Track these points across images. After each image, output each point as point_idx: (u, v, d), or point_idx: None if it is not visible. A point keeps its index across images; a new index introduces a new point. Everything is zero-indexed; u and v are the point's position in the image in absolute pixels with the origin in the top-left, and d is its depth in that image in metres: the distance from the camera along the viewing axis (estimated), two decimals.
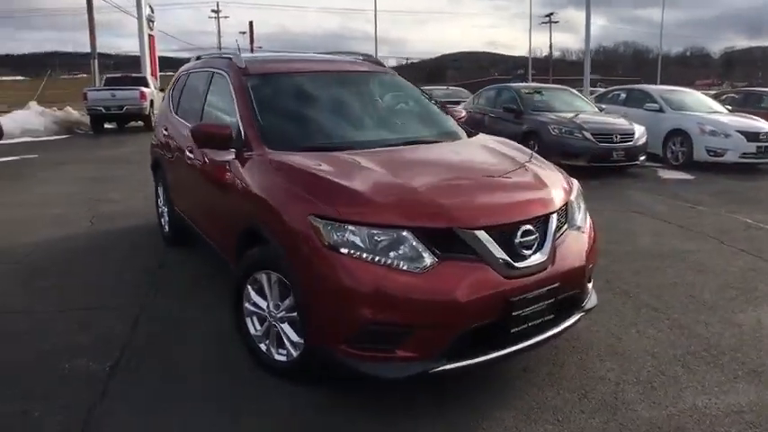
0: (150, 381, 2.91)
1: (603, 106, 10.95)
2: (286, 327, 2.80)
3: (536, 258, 2.61)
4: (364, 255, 2.41)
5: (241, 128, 3.34)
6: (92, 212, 6.62)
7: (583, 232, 2.99)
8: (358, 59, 4.47)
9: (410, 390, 2.74)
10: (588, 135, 8.76)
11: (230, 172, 3.30)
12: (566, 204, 2.95)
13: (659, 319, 3.62)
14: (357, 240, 2.42)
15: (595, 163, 8.79)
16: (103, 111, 17.80)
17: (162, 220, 5.36)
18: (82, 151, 12.97)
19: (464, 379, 2.82)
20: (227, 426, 2.54)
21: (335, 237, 2.44)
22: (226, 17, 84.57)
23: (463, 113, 4.29)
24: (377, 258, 2.40)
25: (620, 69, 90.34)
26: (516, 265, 2.53)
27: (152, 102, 19.01)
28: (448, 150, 3.45)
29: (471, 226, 2.49)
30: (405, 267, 2.39)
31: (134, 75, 21.02)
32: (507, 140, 3.77)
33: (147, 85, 19.52)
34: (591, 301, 3.07)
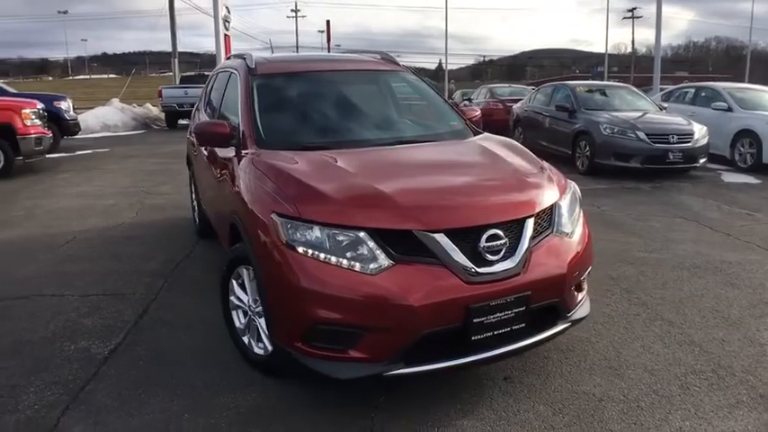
0: (142, 366, 3.04)
1: (666, 105, 10.28)
2: (262, 321, 2.83)
3: (504, 265, 2.49)
4: (320, 254, 2.39)
5: (240, 126, 3.42)
6: (140, 204, 6.99)
7: (570, 238, 2.81)
8: (376, 58, 4.45)
9: (369, 388, 2.71)
10: (642, 135, 8.25)
11: (228, 169, 3.38)
12: (551, 209, 2.80)
13: (671, 333, 3.37)
14: (314, 239, 2.42)
15: (650, 165, 8.28)
16: (177, 107, 18.74)
17: (194, 213, 5.58)
18: (150, 146, 13.71)
19: (436, 382, 2.76)
20: (198, 412, 2.61)
21: (293, 235, 2.45)
22: (303, 16, 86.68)
23: (477, 113, 4.16)
24: (332, 258, 2.38)
25: (711, 66, 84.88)
26: (479, 270, 2.42)
27: None
28: (436, 150, 3.36)
29: (430, 228, 2.41)
30: (358, 268, 2.35)
31: (207, 73, 21.95)
32: (510, 141, 3.61)
33: None
34: (580, 311, 2.89)
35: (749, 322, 3.53)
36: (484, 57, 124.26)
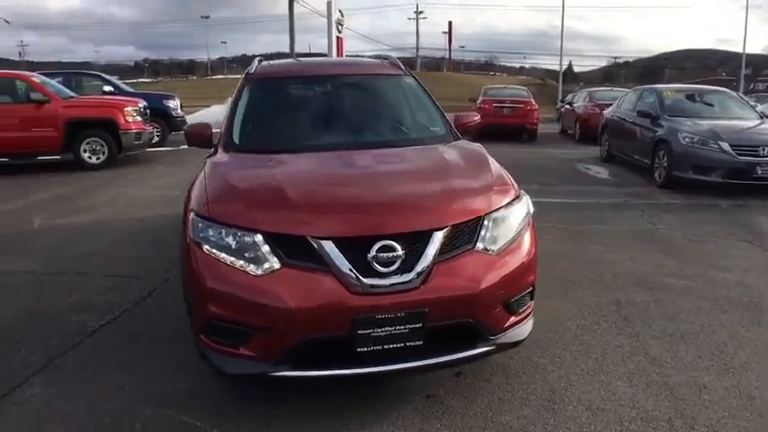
0: (116, 342, 3.35)
1: None
2: None
3: (398, 278, 2.37)
4: (220, 253, 2.47)
5: (222, 129, 3.57)
6: None
7: (496, 255, 2.59)
8: (384, 62, 4.42)
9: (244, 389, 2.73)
10: (726, 146, 7.31)
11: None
12: (476, 223, 2.60)
13: (646, 372, 2.99)
14: (216, 239, 2.49)
15: (733, 180, 7.32)
16: None
17: None
18: None
19: (353, 390, 2.72)
20: (138, 390, 2.82)
21: (202, 233, 2.54)
22: (425, 18, 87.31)
23: (474, 118, 3.99)
24: (229, 258, 2.44)
25: None
26: (365, 281, 2.34)
27: None
28: (387, 157, 3.26)
29: (320, 235, 2.38)
30: (250, 270, 2.40)
31: None
32: (475, 149, 3.38)
33: None
34: (511, 334, 2.68)
35: (752, 369, 3.03)
36: (616, 58, 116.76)
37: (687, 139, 7.66)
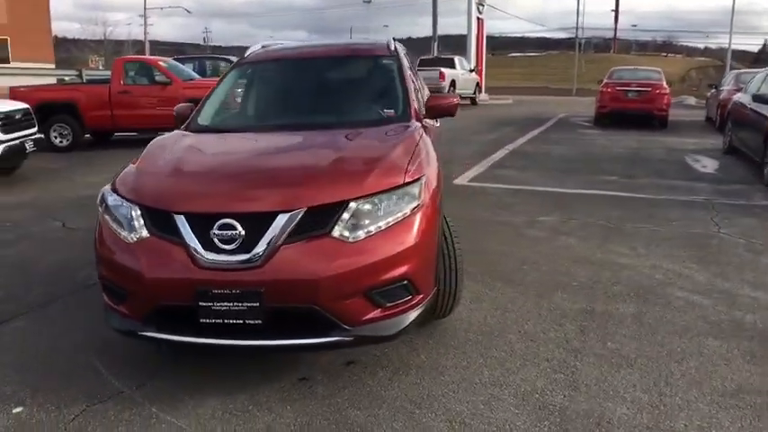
0: (93, 302, 3.59)
1: None
2: None
3: (237, 256, 2.39)
4: (112, 222, 2.69)
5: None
6: None
7: (355, 243, 2.41)
8: (375, 45, 4.25)
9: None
10: None
11: None
12: (339, 207, 2.44)
13: (552, 395, 2.55)
14: (111, 208, 2.73)
15: None
16: None
17: None
18: None
19: (244, 363, 2.78)
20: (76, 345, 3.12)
21: (103, 203, 2.79)
22: None
23: (450, 100, 3.67)
24: (115, 227, 2.66)
25: None
26: (206, 256, 2.40)
27: (453, 82, 20.29)
28: (304, 138, 3.20)
29: (176, 210, 2.51)
30: (123, 237, 2.59)
31: (444, 56, 22.60)
32: (405, 134, 3.10)
33: (452, 67, 20.88)
34: (374, 328, 2.47)
35: (691, 414, 2.45)
36: None
37: None
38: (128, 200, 2.67)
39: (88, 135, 10.99)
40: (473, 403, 2.49)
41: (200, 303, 2.39)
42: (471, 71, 23.23)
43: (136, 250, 2.54)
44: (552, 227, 5.11)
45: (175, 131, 3.51)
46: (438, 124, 4.53)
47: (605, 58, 58.33)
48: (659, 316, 3.30)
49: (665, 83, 13.73)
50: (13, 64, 19.43)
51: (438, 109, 3.62)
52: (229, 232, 2.40)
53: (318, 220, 2.43)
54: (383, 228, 2.48)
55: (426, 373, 2.73)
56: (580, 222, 5.24)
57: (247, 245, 2.39)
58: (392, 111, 3.49)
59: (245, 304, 2.37)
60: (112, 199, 2.76)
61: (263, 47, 4.33)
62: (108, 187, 2.89)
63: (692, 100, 26.17)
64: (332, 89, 3.82)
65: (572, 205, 5.87)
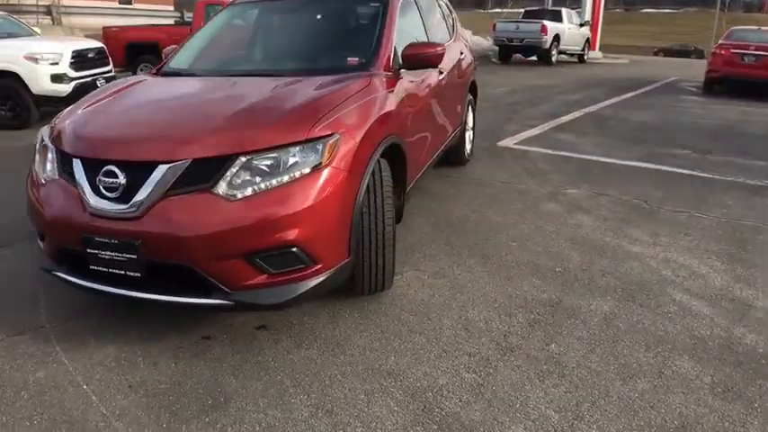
0: None
1: None
2: None
3: (116, 205, 2.24)
4: (36, 163, 2.67)
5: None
6: None
7: (237, 201, 2.16)
8: None
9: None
10: None
11: None
12: (226, 161, 2.19)
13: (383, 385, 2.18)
14: (39, 150, 2.69)
15: None
16: (506, 42, 18.47)
17: None
18: None
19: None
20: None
21: (37, 145, 2.75)
22: None
23: (430, 50, 3.17)
24: (35, 167, 2.64)
25: None
26: (92, 202, 2.28)
27: (557, 37, 18.57)
28: (246, 86, 2.88)
29: (73, 153, 2.42)
30: (40, 177, 2.55)
31: (551, 8, 20.70)
32: (345, 84, 2.72)
33: (558, 20, 19.06)
34: (257, 295, 2.25)
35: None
36: None
37: None
38: (50, 141, 2.62)
39: None
40: (354, 392, 2.19)
41: (88, 250, 2.30)
42: (582, 26, 21.09)
43: (45, 191, 2.49)
44: (573, 201, 4.44)
45: (141, 74, 3.41)
46: (443, 76, 4.02)
47: (751, 18, 50.62)
48: (635, 321, 2.72)
49: None
50: (134, 5, 20.55)
51: (414, 59, 3.15)
52: (111, 180, 2.25)
53: (204, 174, 2.20)
54: (273, 187, 2.19)
55: (329, 350, 2.45)
56: (610, 199, 4.51)
57: (127, 195, 2.23)
58: (356, 59, 3.08)
59: (125, 255, 2.24)
60: (41, 139, 2.72)
61: None
62: (44, 128, 2.85)
63: None
64: (307, 34, 3.48)
65: (612, 179, 5.08)
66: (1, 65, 6.78)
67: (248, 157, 2.19)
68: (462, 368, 2.33)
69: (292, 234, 2.20)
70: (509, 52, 19.25)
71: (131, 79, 3.30)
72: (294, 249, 2.22)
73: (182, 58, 3.54)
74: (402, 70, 3.20)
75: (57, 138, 2.58)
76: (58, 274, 2.52)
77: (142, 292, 2.30)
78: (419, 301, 2.87)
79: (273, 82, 2.82)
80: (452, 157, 5.21)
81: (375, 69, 3.00)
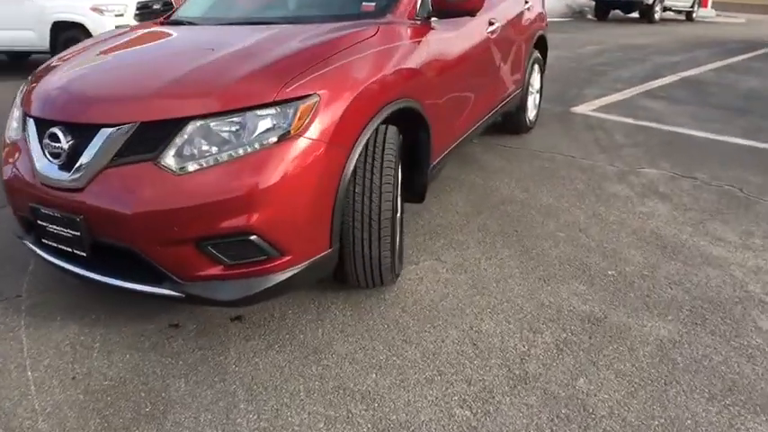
0: None
1: None
2: None
3: (60, 173, 1.90)
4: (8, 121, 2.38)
5: None
6: None
7: (183, 175, 1.74)
8: None
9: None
10: None
11: None
12: (175, 127, 1.76)
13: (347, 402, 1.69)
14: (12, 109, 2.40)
15: None
16: None
17: None
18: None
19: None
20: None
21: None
22: None
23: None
24: (6, 128, 2.33)
25: None
26: (38, 169, 1.97)
27: None
28: (237, 36, 2.39)
29: (28, 112, 2.11)
30: (5, 137, 2.28)
31: None
32: (342, 33, 2.19)
33: None
34: (208, 288, 1.86)
35: None
36: None
37: None
38: (19, 97, 2.33)
39: None
40: (314, 418, 1.75)
41: (38, 221, 2.01)
42: None
43: (7, 152, 2.20)
44: (648, 184, 3.65)
45: (150, 23, 3.06)
46: (494, 27, 3.34)
47: None
48: (701, 355, 2.04)
49: None
50: None
51: (445, 4, 2.52)
52: (55, 144, 1.90)
53: (151, 141, 1.79)
54: (228, 160, 1.74)
55: (302, 357, 2.02)
56: (695, 183, 3.66)
57: (70, 163, 1.88)
58: (372, 4, 2.51)
59: (69, 231, 1.92)
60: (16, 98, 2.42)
61: None
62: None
63: None
64: None
65: (703, 157, 4.16)
66: (67, 16, 6.76)
67: (201, 123, 1.75)
68: (455, 401, 1.82)
69: (249, 219, 1.75)
70: (607, 8, 17.45)
71: (126, 29, 2.93)
72: (252, 238, 1.78)
73: (195, 3, 3.14)
74: (433, 19, 2.59)
75: (24, 94, 2.28)
76: (26, 243, 2.26)
77: (90, 272, 1.98)
78: (428, 301, 2.35)
79: (264, 32, 2.32)
80: (510, 124, 4.52)
81: (395, 17, 2.42)
